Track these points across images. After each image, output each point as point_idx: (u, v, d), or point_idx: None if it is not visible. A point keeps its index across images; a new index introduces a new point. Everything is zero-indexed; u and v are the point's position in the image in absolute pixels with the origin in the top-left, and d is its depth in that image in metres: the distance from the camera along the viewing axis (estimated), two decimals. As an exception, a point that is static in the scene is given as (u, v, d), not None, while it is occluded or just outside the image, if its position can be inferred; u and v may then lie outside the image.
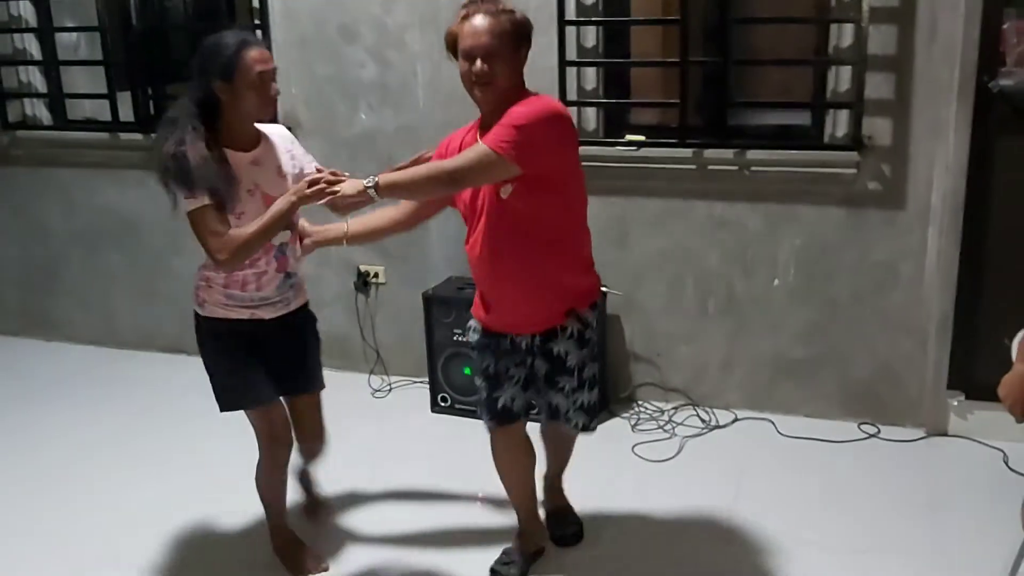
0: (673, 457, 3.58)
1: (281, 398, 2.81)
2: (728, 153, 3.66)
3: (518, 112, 2.43)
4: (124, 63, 4.46)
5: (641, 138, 3.77)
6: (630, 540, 3.07)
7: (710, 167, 3.71)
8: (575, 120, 3.86)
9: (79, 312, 4.86)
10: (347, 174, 2.51)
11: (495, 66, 2.45)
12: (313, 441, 3.01)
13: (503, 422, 2.80)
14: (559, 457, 3.10)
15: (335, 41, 4.07)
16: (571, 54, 3.75)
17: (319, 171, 2.62)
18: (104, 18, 4.44)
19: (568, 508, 3.15)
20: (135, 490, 3.45)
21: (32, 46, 4.67)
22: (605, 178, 3.81)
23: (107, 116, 4.53)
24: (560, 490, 3.16)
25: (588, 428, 2.87)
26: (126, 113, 4.51)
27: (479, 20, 2.44)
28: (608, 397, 4.00)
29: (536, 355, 2.72)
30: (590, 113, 3.88)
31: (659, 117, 4.00)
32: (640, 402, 4.00)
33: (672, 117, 3.76)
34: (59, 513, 3.31)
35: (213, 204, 2.49)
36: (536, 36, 3.74)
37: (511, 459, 2.90)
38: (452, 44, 2.53)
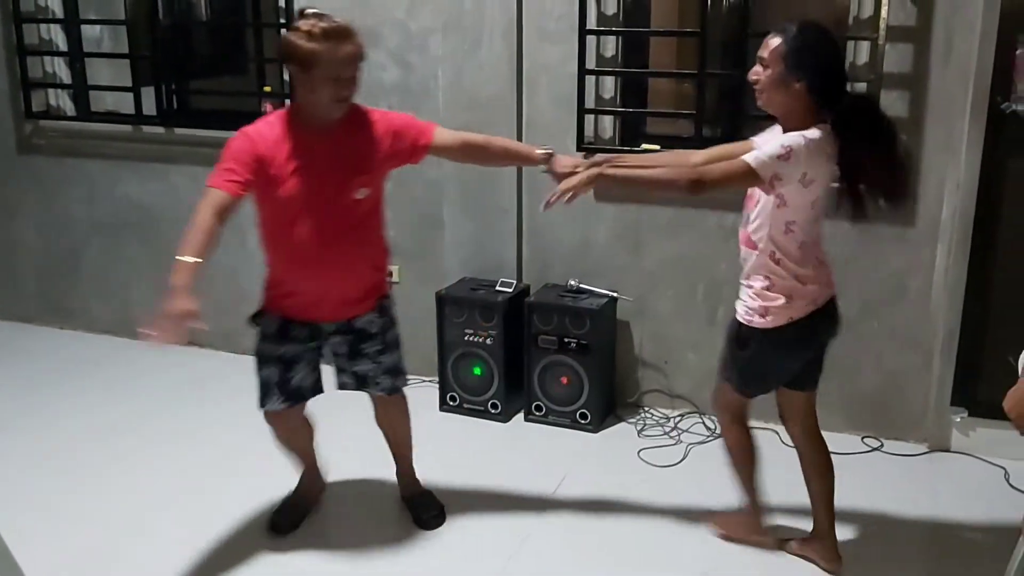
0: (678, 463, 3.63)
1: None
2: (742, 165, 3.70)
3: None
4: (150, 57, 4.53)
5: (656, 148, 3.82)
6: (633, 543, 3.12)
7: (724, 178, 3.75)
8: (593, 129, 3.92)
9: (96, 301, 4.92)
10: None
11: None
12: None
13: (295, 402, 2.96)
14: (398, 440, 3.24)
15: (358, 42, 4.12)
16: (591, 63, 3.80)
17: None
18: (130, 12, 4.51)
19: (426, 492, 3.29)
20: (149, 474, 3.52)
21: (58, 37, 4.74)
22: (621, 185, 3.86)
23: (130, 109, 4.60)
24: (413, 476, 3.30)
25: (398, 390, 3.06)
26: (148, 107, 4.58)
27: (352, 49, 2.61)
28: (615, 402, 4.05)
29: (336, 335, 2.92)
30: (607, 121, 3.94)
31: (675, 128, 4.05)
32: (647, 408, 4.05)
33: (687, 128, 3.82)
34: (71, 496, 3.37)
35: None
36: (557, 45, 3.86)
37: (296, 433, 3.11)
38: (307, 59, 2.56)
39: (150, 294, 4.80)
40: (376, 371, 2.98)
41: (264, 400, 2.94)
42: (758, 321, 2.68)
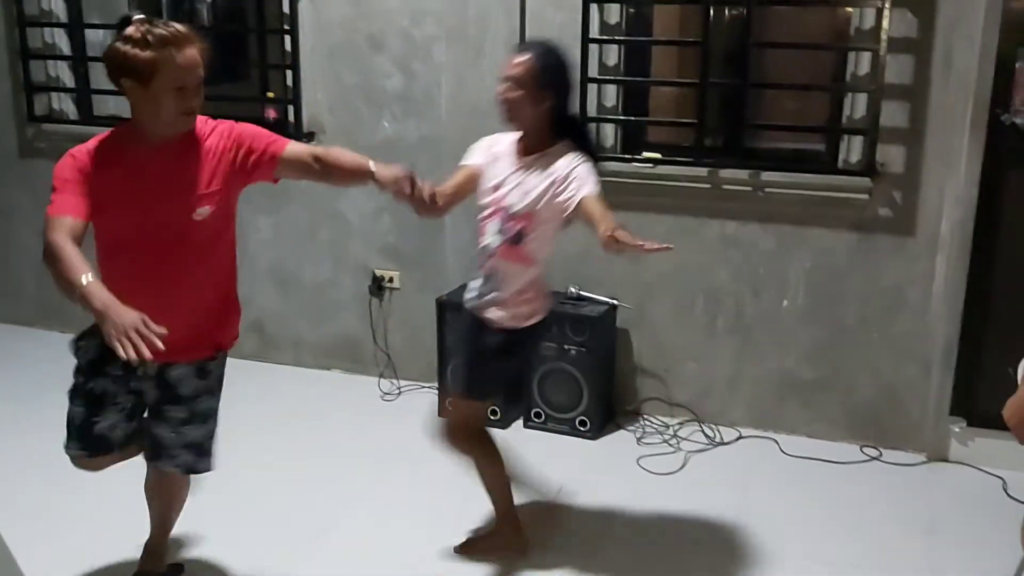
0: (677, 471, 3.63)
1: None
2: (743, 174, 3.73)
3: None
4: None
5: (657, 156, 3.84)
6: (632, 551, 3.12)
7: (724, 187, 3.77)
8: (594, 137, 3.93)
9: (95, 305, 4.90)
10: None
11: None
12: None
13: (95, 452, 2.58)
14: (164, 516, 2.82)
15: (363, 51, 4.14)
16: (593, 72, 3.82)
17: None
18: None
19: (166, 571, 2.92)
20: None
21: (61, 41, 4.75)
22: (621, 193, 3.85)
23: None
24: (161, 555, 2.88)
25: (197, 471, 2.64)
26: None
27: (194, 54, 2.31)
28: (614, 409, 4.06)
29: (150, 381, 2.54)
30: (609, 129, 3.96)
31: (676, 136, 4.06)
32: (646, 416, 4.06)
33: (689, 137, 3.84)
34: (70, 498, 3.37)
35: None
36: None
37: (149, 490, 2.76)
38: (145, 69, 2.25)
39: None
40: (174, 442, 2.56)
41: (66, 441, 2.58)
42: (529, 321, 2.83)
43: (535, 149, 2.73)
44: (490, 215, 2.78)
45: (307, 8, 4.16)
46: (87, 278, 2.12)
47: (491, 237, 2.78)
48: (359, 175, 2.60)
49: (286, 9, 4.19)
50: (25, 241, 5.03)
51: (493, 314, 2.81)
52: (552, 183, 2.67)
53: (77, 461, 2.62)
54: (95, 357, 2.53)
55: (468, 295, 2.91)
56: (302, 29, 4.17)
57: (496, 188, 2.77)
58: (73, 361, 2.58)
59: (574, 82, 2.85)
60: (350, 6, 4.11)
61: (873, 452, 3.77)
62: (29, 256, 5.04)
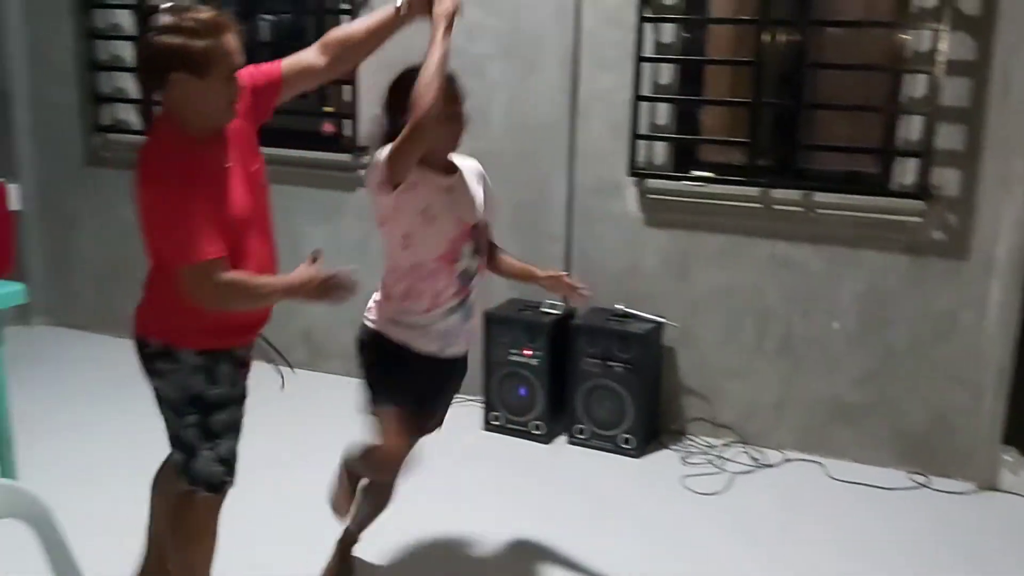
0: (721, 492, 3.61)
1: None
2: (795, 194, 3.72)
3: None
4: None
5: (709, 175, 3.85)
6: (674, 570, 3.10)
7: (776, 207, 3.76)
8: (645, 156, 3.95)
9: (151, 311, 5.02)
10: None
11: None
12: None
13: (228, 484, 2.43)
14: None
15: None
16: (646, 90, 3.84)
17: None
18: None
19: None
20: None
21: (128, 54, 4.87)
22: (671, 211, 3.90)
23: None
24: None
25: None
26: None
27: (237, 34, 2.20)
28: (659, 428, 4.04)
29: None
30: (660, 148, 3.97)
31: (728, 155, 4.06)
32: (690, 436, 4.03)
33: (741, 156, 3.83)
34: (128, 503, 3.43)
35: None
36: (612, 72, 3.91)
37: (212, 534, 2.48)
38: (202, 60, 2.12)
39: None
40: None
41: (227, 474, 2.42)
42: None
43: (450, 163, 2.58)
44: (459, 239, 2.53)
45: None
46: (281, 280, 2.24)
47: (468, 260, 2.57)
48: (386, 26, 2.44)
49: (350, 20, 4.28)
50: (84, 247, 5.18)
51: (463, 344, 2.67)
52: (484, 184, 2.68)
53: (209, 503, 2.44)
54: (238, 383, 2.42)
55: (429, 338, 2.58)
56: (360, 45, 4.25)
57: (434, 214, 2.48)
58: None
59: None
60: (407, 23, 4.18)
61: (921, 479, 3.71)
62: (87, 261, 5.19)
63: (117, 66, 4.87)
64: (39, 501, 1.88)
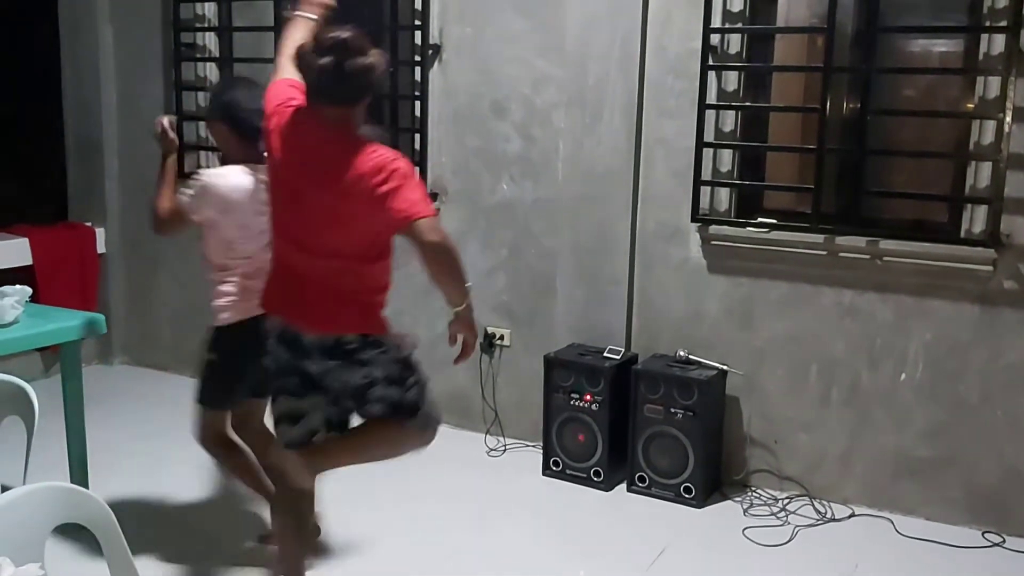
0: (785, 543, 3.52)
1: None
2: (860, 241, 3.67)
3: None
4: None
5: (773, 221, 3.83)
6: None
7: (841, 254, 3.71)
8: (708, 202, 3.95)
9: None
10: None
11: None
12: None
13: None
14: None
15: (486, 116, 4.31)
16: (709, 137, 3.86)
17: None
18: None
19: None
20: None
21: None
22: (735, 258, 3.88)
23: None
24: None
25: None
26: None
27: None
28: (721, 478, 3.97)
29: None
30: (723, 194, 3.96)
31: (792, 202, 4.03)
32: (753, 488, 3.95)
33: (805, 202, 3.80)
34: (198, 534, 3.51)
35: None
36: (675, 119, 3.94)
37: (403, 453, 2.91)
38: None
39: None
40: None
41: None
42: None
43: None
44: None
45: (437, 76, 4.37)
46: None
47: None
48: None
49: (418, 77, 4.41)
50: (163, 288, 5.35)
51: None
52: None
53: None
54: None
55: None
56: (432, 96, 4.38)
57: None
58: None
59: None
60: (476, 74, 4.29)
61: (996, 538, 3.56)
62: (166, 302, 5.36)
63: (200, 116, 5.08)
64: (104, 508, 1.94)
